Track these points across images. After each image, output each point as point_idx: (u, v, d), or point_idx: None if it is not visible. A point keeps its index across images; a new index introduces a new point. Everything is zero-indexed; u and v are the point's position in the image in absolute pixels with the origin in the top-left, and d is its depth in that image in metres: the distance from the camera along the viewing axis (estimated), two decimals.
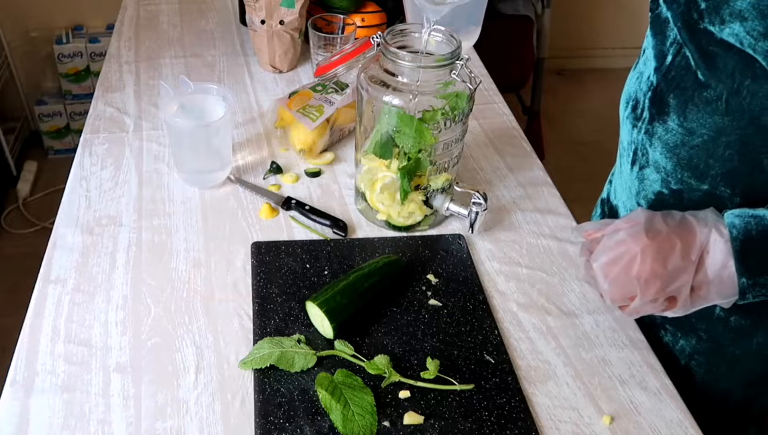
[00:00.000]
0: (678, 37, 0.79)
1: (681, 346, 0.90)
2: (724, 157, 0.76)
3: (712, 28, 0.73)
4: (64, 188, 1.04)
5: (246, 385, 0.78)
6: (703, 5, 0.74)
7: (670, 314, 0.75)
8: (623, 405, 0.79)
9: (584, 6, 3.18)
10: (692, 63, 0.77)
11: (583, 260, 0.80)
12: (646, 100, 0.84)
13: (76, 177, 1.07)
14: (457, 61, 0.87)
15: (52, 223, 0.99)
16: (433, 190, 0.97)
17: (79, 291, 0.88)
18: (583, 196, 1.75)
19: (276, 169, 1.10)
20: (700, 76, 0.76)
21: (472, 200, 0.97)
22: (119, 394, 0.77)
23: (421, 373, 0.78)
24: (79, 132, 1.55)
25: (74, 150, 1.13)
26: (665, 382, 0.82)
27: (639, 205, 0.89)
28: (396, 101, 0.89)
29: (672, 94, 0.80)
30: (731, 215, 0.72)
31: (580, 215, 1.08)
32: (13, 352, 0.80)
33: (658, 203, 0.86)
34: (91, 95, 1.38)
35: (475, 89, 0.89)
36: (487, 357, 0.82)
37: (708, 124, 0.76)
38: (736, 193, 0.78)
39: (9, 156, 2.50)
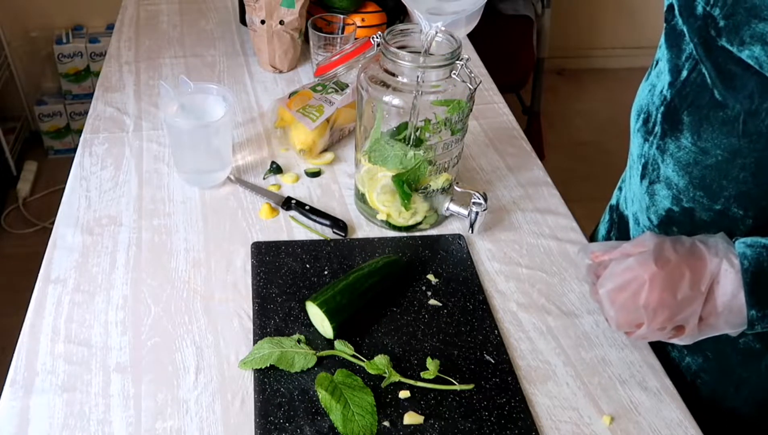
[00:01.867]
0: (694, 52, 0.76)
1: (687, 363, 0.88)
2: (739, 179, 0.74)
3: (730, 47, 0.71)
4: (64, 188, 1.04)
5: (246, 385, 0.78)
6: (722, 23, 0.71)
7: (677, 341, 0.74)
8: (623, 405, 0.79)
9: (584, 6, 3.18)
10: (708, 81, 0.75)
11: (588, 282, 0.78)
12: (659, 115, 0.82)
13: (76, 177, 1.07)
14: (457, 61, 0.87)
15: (52, 223, 0.99)
16: (433, 190, 0.97)
17: (79, 291, 0.88)
18: (583, 196, 1.75)
19: (276, 169, 1.10)
20: (716, 95, 0.74)
21: (472, 200, 0.97)
22: (119, 394, 0.77)
23: (421, 373, 0.78)
24: (79, 132, 1.55)
25: (74, 150, 1.13)
26: (665, 382, 0.82)
27: (649, 219, 0.87)
28: (396, 101, 0.89)
29: (686, 112, 0.78)
30: (743, 245, 0.70)
31: (580, 215, 1.08)
32: (13, 352, 0.80)
33: (668, 220, 0.84)
34: (91, 95, 1.38)
35: (475, 89, 0.89)
36: (487, 357, 0.82)
37: (723, 145, 0.74)
38: (749, 216, 0.76)
39: (9, 156, 2.50)
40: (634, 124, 0.88)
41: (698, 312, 0.70)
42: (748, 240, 0.70)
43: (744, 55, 0.69)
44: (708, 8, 0.73)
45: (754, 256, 0.68)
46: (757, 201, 0.75)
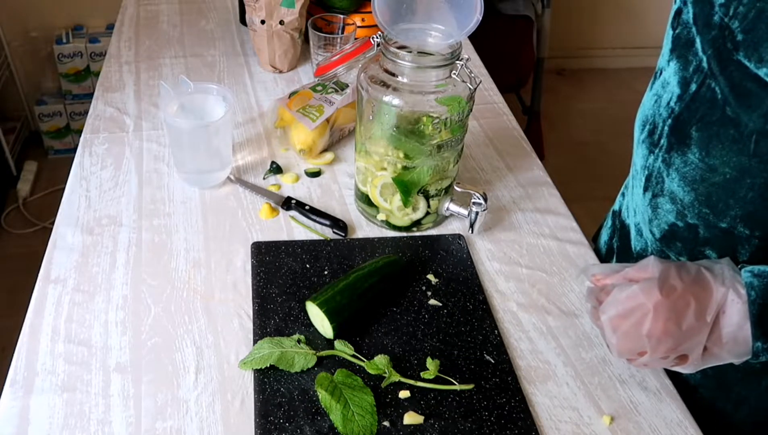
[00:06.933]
0: (704, 64, 0.74)
1: (685, 377, 0.86)
2: (746, 198, 0.73)
3: (747, 63, 0.68)
4: (64, 188, 1.04)
5: (246, 385, 0.78)
6: (740, 37, 0.68)
7: (680, 370, 0.72)
8: (623, 405, 0.79)
9: (584, 6, 3.18)
10: (720, 96, 0.72)
11: (589, 305, 0.77)
12: (666, 128, 0.80)
13: (76, 177, 1.07)
14: (457, 61, 0.87)
15: (52, 223, 0.99)
16: (433, 190, 0.97)
17: (79, 291, 0.88)
18: (583, 196, 1.75)
19: (276, 169, 1.10)
20: (728, 111, 0.71)
21: (472, 200, 0.97)
22: (119, 394, 0.77)
23: (421, 373, 0.78)
24: (79, 132, 1.55)
25: (74, 150, 1.13)
26: (665, 382, 0.82)
27: (652, 232, 0.86)
28: (396, 101, 0.89)
29: (695, 127, 0.75)
30: (749, 274, 0.68)
31: (580, 215, 1.08)
32: (13, 352, 0.80)
33: (671, 235, 0.83)
34: (91, 95, 1.38)
35: (475, 89, 0.89)
36: (487, 357, 0.82)
37: (732, 163, 0.72)
38: (755, 236, 0.74)
39: (9, 156, 2.50)
40: (639, 134, 0.86)
41: (703, 342, 0.68)
42: (756, 269, 0.68)
43: (762, 72, 0.67)
44: (726, 19, 0.70)
45: (762, 287, 0.67)
46: (764, 222, 0.73)
